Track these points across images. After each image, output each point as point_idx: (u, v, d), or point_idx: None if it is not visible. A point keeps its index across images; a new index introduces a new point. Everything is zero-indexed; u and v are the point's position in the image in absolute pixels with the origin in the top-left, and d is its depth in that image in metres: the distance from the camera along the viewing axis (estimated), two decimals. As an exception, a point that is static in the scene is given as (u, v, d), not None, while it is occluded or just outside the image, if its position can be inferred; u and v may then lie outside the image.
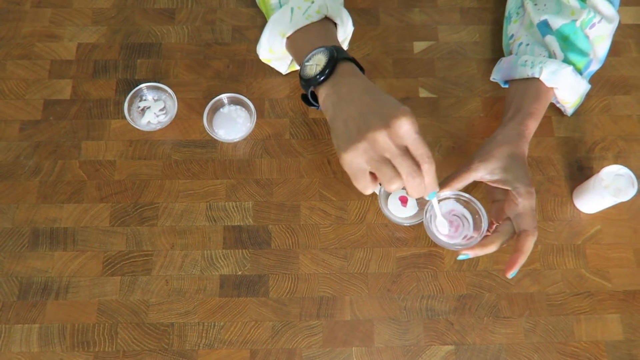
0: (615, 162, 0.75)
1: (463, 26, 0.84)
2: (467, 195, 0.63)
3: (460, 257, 0.61)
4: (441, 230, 0.64)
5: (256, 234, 0.72)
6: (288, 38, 0.67)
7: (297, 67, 0.75)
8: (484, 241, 0.60)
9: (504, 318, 0.69)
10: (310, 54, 0.60)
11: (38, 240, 0.71)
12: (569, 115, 0.76)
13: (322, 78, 0.58)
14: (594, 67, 0.72)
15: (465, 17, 0.84)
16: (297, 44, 0.66)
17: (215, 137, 0.74)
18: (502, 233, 0.61)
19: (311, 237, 0.72)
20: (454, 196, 0.64)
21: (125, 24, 0.83)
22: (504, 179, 0.61)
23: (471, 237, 0.64)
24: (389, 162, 0.53)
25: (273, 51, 0.70)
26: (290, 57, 0.71)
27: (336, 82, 0.58)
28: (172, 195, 0.73)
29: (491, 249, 0.60)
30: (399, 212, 0.70)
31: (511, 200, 0.61)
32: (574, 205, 0.74)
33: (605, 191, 0.67)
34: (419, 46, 0.82)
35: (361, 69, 0.61)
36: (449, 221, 0.64)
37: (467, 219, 0.66)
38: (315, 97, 0.62)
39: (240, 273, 0.70)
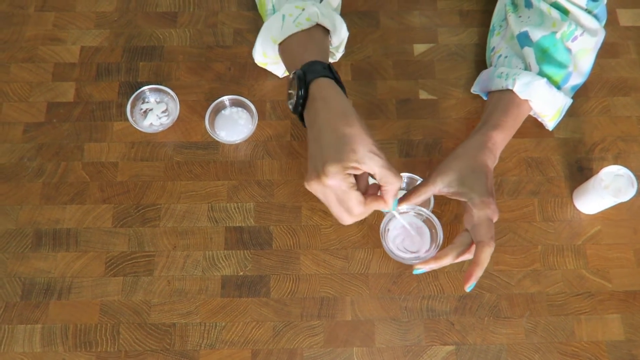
0: (615, 163, 0.75)
1: (463, 28, 0.84)
2: (423, 209, 0.65)
3: (416, 272, 0.61)
4: (399, 245, 0.65)
5: (257, 235, 0.72)
6: (280, 45, 0.67)
7: None
8: (438, 254, 0.60)
9: (504, 318, 0.69)
10: (290, 80, 0.62)
11: (41, 241, 0.71)
12: (549, 129, 0.75)
13: (299, 106, 0.60)
14: (576, 80, 0.72)
15: (464, 19, 0.85)
16: (285, 53, 0.67)
17: (217, 139, 0.75)
18: (457, 245, 0.61)
19: (312, 237, 0.72)
20: (411, 210, 0.65)
21: (128, 27, 0.83)
22: (460, 191, 0.61)
23: (427, 250, 0.65)
24: (336, 203, 0.56)
25: (267, 56, 0.71)
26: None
27: (308, 108, 0.59)
28: (174, 196, 0.74)
29: (446, 261, 0.60)
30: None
31: (468, 212, 0.61)
32: (574, 205, 0.74)
33: (605, 192, 0.67)
34: (419, 48, 0.83)
35: (337, 78, 0.61)
36: (404, 234, 0.67)
37: (423, 232, 0.67)
38: None
39: (241, 273, 0.70)
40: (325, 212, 0.73)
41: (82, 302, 0.69)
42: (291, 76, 0.62)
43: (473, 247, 0.61)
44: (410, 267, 0.70)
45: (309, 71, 0.60)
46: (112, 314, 0.68)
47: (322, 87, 0.59)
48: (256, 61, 0.74)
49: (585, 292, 0.70)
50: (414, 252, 0.66)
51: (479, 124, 0.69)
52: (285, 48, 0.67)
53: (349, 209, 0.56)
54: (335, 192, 0.55)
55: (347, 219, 0.57)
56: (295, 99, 0.60)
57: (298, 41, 0.65)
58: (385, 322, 0.69)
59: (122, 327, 0.68)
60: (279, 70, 0.77)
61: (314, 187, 0.56)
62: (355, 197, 0.55)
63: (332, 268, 0.71)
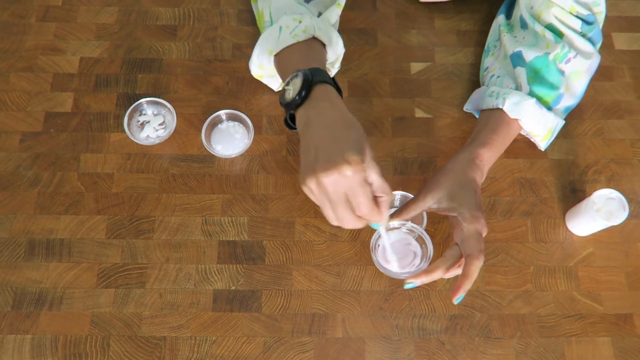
0: (608, 185, 0.76)
1: (459, 48, 0.85)
2: (414, 225, 0.65)
3: (407, 286, 0.61)
4: (389, 260, 0.65)
5: (251, 249, 0.72)
6: (276, 56, 0.67)
7: None
8: (429, 268, 0.61)
9: (495, 339, 0.69)
10: (289, 78, 0.61)
11: (34, 250, 0.71)
12: (542, 149, 0.76)
13: (296, 103, 0.58)
14: (568, 102, 0.72)
15: (461, 39, 0.86)
16: (282, 63, 0.66)
17: (213, 153, 0.75)
18: (447, 258, 0.61)
19: (305, 253, 0.72)
20: (401, 226, 0.66)
21: (128, 39, 0.84)
22: (450, 206, 0.62)
23: (418, 265, 0.65)
24: (344, 201, 0.54)
25: (263, 67, 0.71)
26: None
27: (309, 107, 0.58)
28: (168, 209, 0.74)
29: (436, 275, 0.60)
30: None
31: (458, 227, 0.62)
32: (566, 227, 0.74)
33: (597, 214, 0.67)
34: (415, 67, 0.84)
35: (339, 90, 0.61)
36: (394, 252, 0.66)
37: (414, 249, 0.67)
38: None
39: (233, 288, 0.70)
40: (319, 228, 0.73)
41: (73, 313, 0.69)
42: (294, 74, 0.61)
43: (463, 261, 0.61)
44: (401, 285, 0.71)
45: (315, 74, 0.59)
46: (102, 326, 0.68)
47: (328, 91, 0.59)
48: (252, 73, 0.74)
49: (576, 314, 0.70)
50: (404, 266, 0.66)
51: (468, 141, 0.69)
52: (283, 58, 0.67)
53: (358, 205, 0.54)
54: (347, 186, 0.53)
55: (349, 220, 0.55)
56: (293, 95, 0.59)
57: (297, 51, 0.65)
58: (376, 340, 0.69)
59: (113, 339, 0.68)
60: (275, 83, 0.77)
61: (323, 179, 0.53)
62: (368, 191, 0.54)
63: (324, 284, 0.71)
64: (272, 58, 0.68)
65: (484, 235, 0.61)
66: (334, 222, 0.57)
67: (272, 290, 0.70)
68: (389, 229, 0.66)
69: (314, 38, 0.67)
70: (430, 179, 0.65)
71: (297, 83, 0.59)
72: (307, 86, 0.58)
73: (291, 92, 0.60)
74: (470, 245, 0.60)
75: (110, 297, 0.69)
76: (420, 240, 0.67)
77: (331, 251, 0.72)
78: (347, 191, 0.54)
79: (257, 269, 0.71)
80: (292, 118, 0.62)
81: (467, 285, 0.59)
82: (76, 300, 0.69)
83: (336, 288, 0.71)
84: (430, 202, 0.63)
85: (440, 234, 0.74)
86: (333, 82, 0.61)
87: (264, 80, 0.77)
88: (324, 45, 0.69)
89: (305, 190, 0.56)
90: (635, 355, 0.68)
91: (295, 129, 0.62)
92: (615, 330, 0.69)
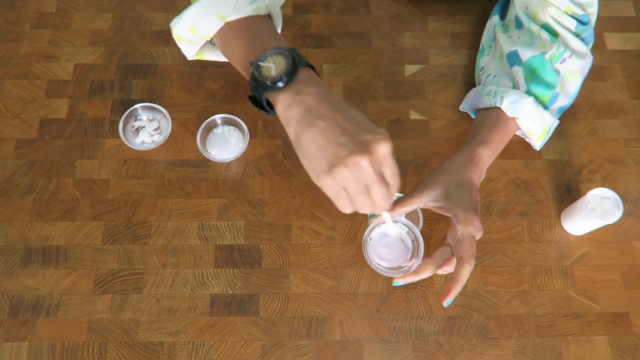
0: (603, 185, 0.76)
1: (453, 50, 0.86)
2: (406, 221, 0.65)
3: (395, 284, 0.61)
4: (380, 254, 0.65)
5: (247, 253, 0.72)
6: (227, 24, 0.59)
7: (207, 57, 0.70)
8: (417, 269, 0.60)
9: (492, 339, 0.69)
10: (266, 53, 0.54)
11: (30, 257, 0.71)
12: (537, 149, 0.76)
13: (281, 84, 0.52)
14: (563, 102, 0.73)
15: (455, 41, 0.86)
16: (241, 35, 0.59)
17: (209, 157, 0.75)
18: (436, 259, 0.61)
19: (302, 256, 0.72)
20: (395, 221, 0.65)
21: (122, 45, 0.84)
22: (445, 205, 0.61)
23: (409, 261, 0.65)
24: (365, 190, 0.51)
25: (195, 32, 0.61)
26: (203, 43, 0.66)
27: (300, 91, 0.52)
28: (164, 214, 0.74)
29: (424, 275, 0.60)
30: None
31: (452, 228, 0.61)
32: (562, 227, 0.75)
33: (592, 214, 0.68)
34: (410, 69, 0.84)
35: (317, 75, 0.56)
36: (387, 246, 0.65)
37: (407, 244, 0.67)
38: (267, 101, 0.55)
39: (230, 292, 0.70)
40: (316, 231, 0.73)
41: (70, 320, 0.69)
42: (273, 50, 0.54)
43: (454, 260, 0.61)
44: (398, 287, 0.71)
45: (297, 55, 0.54)
46: (100, 332, 0.68)
47: (314, 76, 0.54)
48: (174, 33, 0.64)
49: (573, 313, 0.70)
50: (394, 262, 0.66)
51: (466, 140, 0.69)
52: (239, 30, 0.59)
53: (393, 177, 0.52)
54: (382, 165, 0.50)
55: (369, 205, 0.52)
56: (277, 74, 0.53)
57: (262, 27, 0.59)
58: (374, 342, 0.69)
59: (110, 345, 0.67)
60: (192, 50, 0.68)
61: (364, 164, 0.49)
62: (389, 171, 0.51)
63: (322, 287, 0.71)
64: (219, 25, 0.59)
65: (478, 237, 0.61)
66: (347, 210, 0.53)
67: (269, 293, 0.70)
68: (382, 223, 0.64)
69: (269, 16, 0.62)
70: (428, 176, 0.64)
71: (280, 62, 0.53)
72: (294, 68, 0.53)
73: (272, 70, 0.53)
74: (463, 249, 0.59)
75: (107, 303, 0.69)
76: (412, 236, 0.66)
77: (328, 254, 0.72)
78: (384, 168, 0.50)
79: (254, 273, 0.71)
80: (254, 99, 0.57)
81: (456, 289, 0.58)
82: (73, 307, 0.69)
83: (333, 291, 0.71)
84: (426, 199, 0.62)
85: (437, 235, 0.74)
86: (312, 67, 0.57)
87: (181, 44, 0.66)
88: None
89: (331, 182, 0.50)
90: (632, 354, 0.69)
91: (268, 111, 0.56)
92: (612, 328, 0.70)
